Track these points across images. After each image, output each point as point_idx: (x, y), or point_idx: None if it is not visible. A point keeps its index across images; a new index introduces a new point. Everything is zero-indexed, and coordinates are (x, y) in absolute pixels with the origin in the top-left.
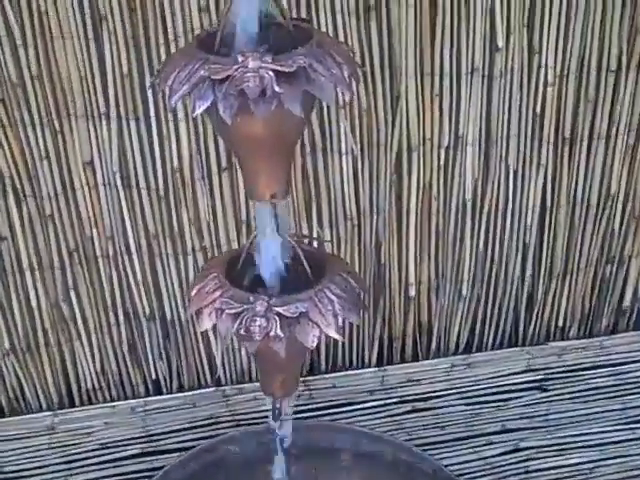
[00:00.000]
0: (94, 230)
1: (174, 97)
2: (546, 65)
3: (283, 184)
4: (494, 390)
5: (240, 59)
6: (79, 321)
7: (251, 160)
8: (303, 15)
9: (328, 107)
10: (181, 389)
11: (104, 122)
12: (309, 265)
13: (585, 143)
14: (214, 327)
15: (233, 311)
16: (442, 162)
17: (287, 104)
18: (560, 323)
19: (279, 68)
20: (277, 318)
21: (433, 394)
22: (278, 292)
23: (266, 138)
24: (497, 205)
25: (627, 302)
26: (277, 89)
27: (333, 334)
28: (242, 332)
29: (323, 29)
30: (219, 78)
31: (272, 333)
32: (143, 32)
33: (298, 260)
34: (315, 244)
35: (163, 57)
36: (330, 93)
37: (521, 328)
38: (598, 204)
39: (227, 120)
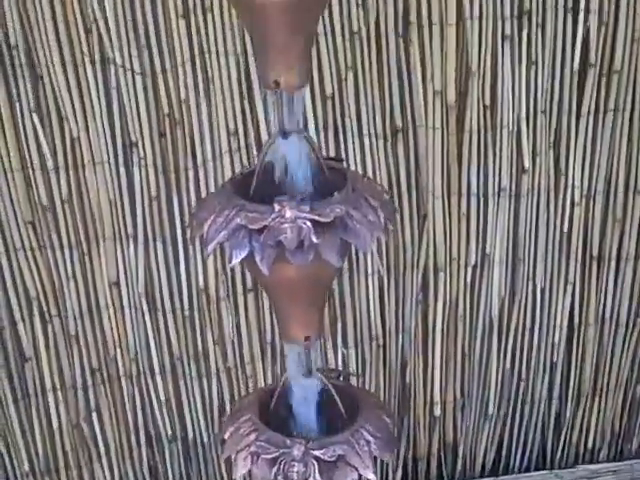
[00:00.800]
0: (118, 350)
1: (210, 245)
2: (573, 185)
3: (317, 327)
4: None
5: (277, 208)
6: (100, 442)
7: (286, 304)
8: (331, 140)
9: None
10: None
11: (131, 244)
12: (341, 401)
13: (613, 263)
14: (249, 472)
15: (270, 456)
16: (469, 280)
17: (325, 254)
18: (590, 445)
19: (317, 218)
20: (315, 462)
21: None
22: (314, 434)
23: (302, 285)
24: (524, 323)
25: None
26: (315, 240)
27: (371, 476)
28: (280, 478)
29: (351, 152)
30: (256, 228)
31: (310, 479)
32: (172, 157)
33: (330, 397)
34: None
35: (192, 181)
36: (367, 241)
37: (549, 449)
38: (627, 323)
39: (264, 270)
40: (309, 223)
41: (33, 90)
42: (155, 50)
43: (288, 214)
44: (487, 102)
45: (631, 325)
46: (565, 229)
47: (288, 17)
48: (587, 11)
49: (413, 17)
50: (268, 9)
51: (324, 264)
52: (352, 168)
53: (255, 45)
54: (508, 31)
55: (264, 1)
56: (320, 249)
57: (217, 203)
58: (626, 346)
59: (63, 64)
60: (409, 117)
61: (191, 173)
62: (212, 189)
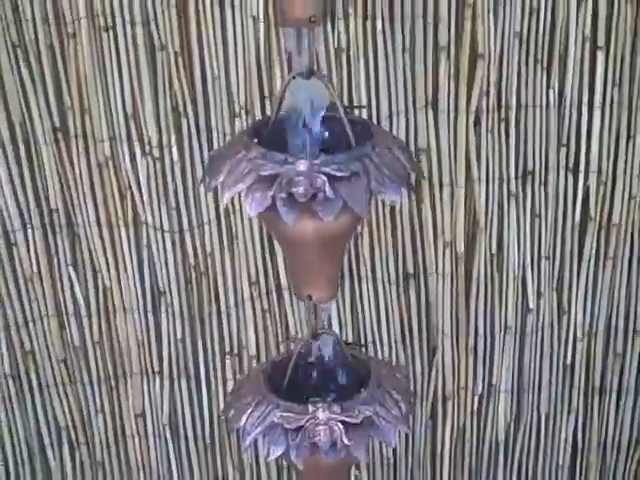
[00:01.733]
0: (142, 476)
1: (247, 439)
2: (575, 323)
3: None
4: None
5: (311, 409)
6: None
7: None
8: (347, 287)
9: None
10: None
11: (157, 379)
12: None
13: (614, 394)
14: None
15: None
16: (475, 407)
17: (354, 452)
18: None
19: (347, 420)
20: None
21: None
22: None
23: None
24: (529, 446)
25: None
26: (346, 442)
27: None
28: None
29: (365, 297)
30: (292, 428)
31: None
32: (197, 304)
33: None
34: None
35: (215, 326)
36: (392, 435)
37: None
38: (628, 448)
39: (299, 465)
40: (340, 425)
41: (70, 246)
42: (183, 211)
43: (321, 416)
44: (494, 251)
45: (632, 450)
46: (568, 362)
47: (320, 248)
48: (587, 171)
49: (425, 178)
50: (301, 241)
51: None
52: (366, 311)
53: (289, 263)
54: (513, 190)
55: (295, 237)
56: (351, 449)
57: (251, 396)
58: (627, 468)
59: (99, 225)
60: (420, 264)
61: (215, 319)
62: (234, 333)
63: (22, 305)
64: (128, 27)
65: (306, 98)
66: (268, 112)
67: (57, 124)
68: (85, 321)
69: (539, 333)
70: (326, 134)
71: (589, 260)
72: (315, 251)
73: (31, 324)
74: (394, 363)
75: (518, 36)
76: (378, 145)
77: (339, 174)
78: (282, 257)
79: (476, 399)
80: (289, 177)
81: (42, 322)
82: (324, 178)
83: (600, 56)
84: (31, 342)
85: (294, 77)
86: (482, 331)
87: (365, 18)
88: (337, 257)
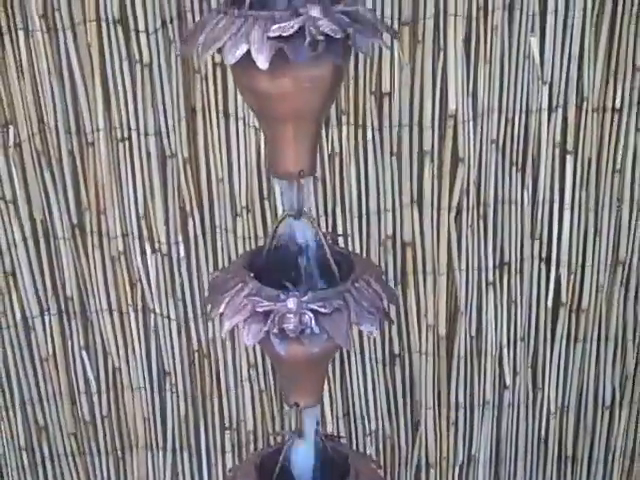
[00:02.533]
0: None
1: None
2: (548, 399)
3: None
4: None
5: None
6: None
7: None
8: (337, 367)
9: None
10: None
11: (161, 453)
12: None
13: (585, 464)
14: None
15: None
16: (457, 476)
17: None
18: None
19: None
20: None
21: None
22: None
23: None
24: None
25: None
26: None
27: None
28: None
29: (354, 374)
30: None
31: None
32: (200, 384)
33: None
34: None
35: (216, 404)
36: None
37: None
38: None
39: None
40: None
41: (83, 331)
42: (189, 301)
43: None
44: (473, 333)
45: None
46: (542, 435)
47: (307, 366)
48: (558, 262)
49: (409, 268)
50: (291, 362)
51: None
52: (355, 387)
53: (279, 376)
54: (491, 278)
55: (286, 359)
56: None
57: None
58: None
59: (110, 312)
60: (405, 345)
61: (215, 397)
62: (234, 411)
63: (37, 384)
64: (142, 138)
65: (296, 235)
66: (267, 211)
67: (75, 222)
68: (95, 398)
69: (515, 408)
70: (313, 263)
71: (561, 341)
72: (303, 369)
73: (45, 401)
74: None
75: (495, 142)
76: (358, 278)
77: (323, 310)
78: None
79: (457, 468)
80: (281, 314)
81: (55, 400)
82: (311, 315)
83: (569, 160)
84: (44, 418)
85: (285, 217)
86: (462, 405)
87: (356, 126)
88: (322, 371)
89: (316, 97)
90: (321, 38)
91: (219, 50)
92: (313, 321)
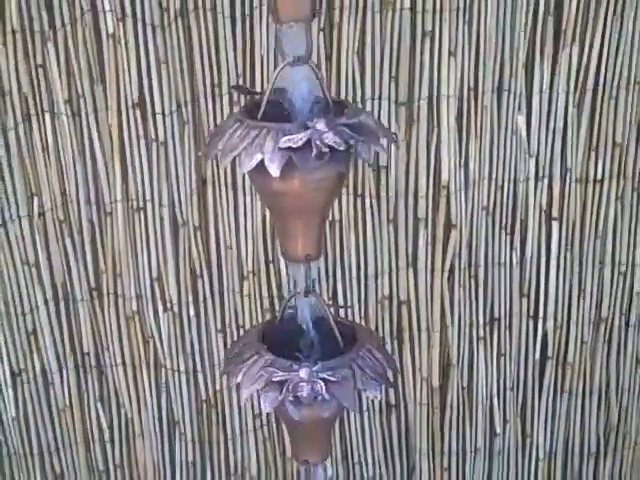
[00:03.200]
0: None
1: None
2: (537, 446)
3: None
4: None
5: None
6: None
7: None
8: None
9: (354, 474)
10: None
11: None
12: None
13: None
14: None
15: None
16: None
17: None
18: None
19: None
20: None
21: None
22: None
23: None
24: None
25: None
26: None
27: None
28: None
29: (352, 424)
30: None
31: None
32: (207, 432)
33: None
34: None
35: (222, 451)
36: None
37: None
38: None
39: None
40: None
41: (98, 384)
42: (197, 356)
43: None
44: (465, 384)
45: None
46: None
47: (315, 425)
48: (545, 318)
49: (405, 324)
50: (304, 424)
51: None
52: (353, 436)
53: (290, 436)
54: (482, 334)
55: (299, 421)
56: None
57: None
58: None
59: (124, 366)
60: (401, 396)
61: (222, 445)
62: (239, 457)
63: (55, 434)
64: (157, 208)
65: (304, 310)
66: (271, 274)
67: (93, 284)
68: (108, 446)
69: (505, 454)
70: (320, 334)
71: (548, 392)
72: (313, 431)
73: (62, 450)
74: None
75: (485, 209)
76: (361, 348)
77: (333, 379)
78: None
79: None
80: (294, 383)
81: (71, 448)
82: (321, 383)
83: (555, 225)
84: (61, 466)
85: (294, 296)
86: (455, 452)
87: (355, 195)
88: (330, 430)
89: (322, 196)
90: (326, 150)
91: (238, 156)
92: (324, 389)
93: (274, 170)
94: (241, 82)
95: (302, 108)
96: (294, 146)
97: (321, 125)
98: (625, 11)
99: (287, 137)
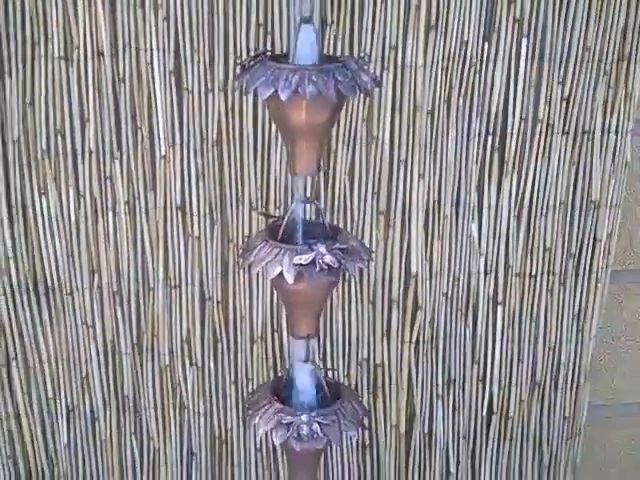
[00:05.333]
0: None
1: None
2: None
3: None
4: None
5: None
6: None
7: None
8: None
9: None
10: None
11: None
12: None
13: None
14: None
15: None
16: None
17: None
18: None
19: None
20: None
21: None
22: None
23: None
24: None
25: None
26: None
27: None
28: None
29: (334, 458)
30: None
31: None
32: (218, 463)
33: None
34: None
35: (230, 476)
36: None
37: None
38: None
39: None
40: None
41: (134, 421)
42: (214, 401)
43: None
44: (426, 431)
45: None
46: None
47: (313, 463)
48: (492, 381)
49: (379, 382)
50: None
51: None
52: (334, 470)
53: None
54: (440, 392)
55: (298, 456)
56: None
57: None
58: None
59: (155, 408)
60: (374, 438)
61: (229, 472)
62: None
63: (97, 461)
64: (189, 286)
65: (303, 374)
66: (276, 340)
67: (135, 342)
68: (138, 472)
69: None
70: (315, 390)
71: (493, 440)
72: (307, 457)
73: (101, 476)
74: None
75: (445, 295)
76: (344, 401)
77: (325, 422)
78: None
79: None
80: (298, 424)
81: (109, 473)
82: (317, 425)
83: (500, 309)
84: None
85: (296, 363)
86: None
87: (343, 282)
88: (318, 459)
89: (319, 293)
90: (325, 267)
91: (264, 267)
92: (318, 429)
93: (289, 278)
94: (259, 194)
95: (308, 231)
96: (303, 263)
97: (322, 248)
98: (551, 151)
99: (298, 256)
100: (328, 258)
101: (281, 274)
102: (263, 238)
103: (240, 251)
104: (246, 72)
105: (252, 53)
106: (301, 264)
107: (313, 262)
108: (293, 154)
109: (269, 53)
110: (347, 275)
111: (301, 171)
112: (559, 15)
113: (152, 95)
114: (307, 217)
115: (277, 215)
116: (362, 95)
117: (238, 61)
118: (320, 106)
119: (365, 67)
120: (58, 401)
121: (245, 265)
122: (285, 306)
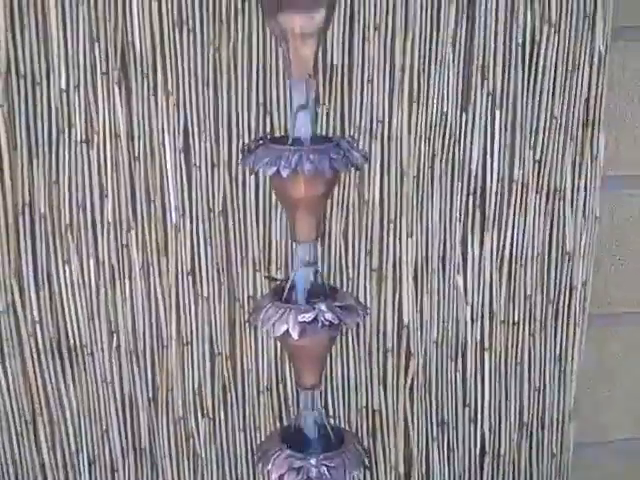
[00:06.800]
0: None
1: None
2: None
3: None
4: None
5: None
6: None
7: None
8: None
9: None
10: None
11: None
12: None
13: None
14: None
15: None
16: None
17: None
18: None
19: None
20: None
21: None
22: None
23: None
24: None
25: None
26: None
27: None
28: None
29: None
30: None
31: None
32: None
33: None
34: None
35: None
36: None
37: None
38: None
39: None
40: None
41: (151, 470)
42: (225, 449)
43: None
44: (423, 472)
45: None
46: None
47: None
48: (482, 423)
49: (377, 426)
50: None
51: None
52: None
53: None
54: (435, 434)
55: None
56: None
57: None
58: None
59: (170, 457)
60: (375, 478)
61: None
62: None
63: None
64: (200, 343)
65: (309, 419)
66: (281, 391)
67: (151, 396)
68: None
69: None
70: (320, 435)
71: (487, 478)
72: None
73: None
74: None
75: (435, 342)
76: (347, 444)
77: (331, 465)
78: None
79: None
80: (307, 468)
81: None
82: (325, 468)
83: (487, 354)
84: None
85: (302, 411)
86: None
87: (340, 335)
88: None
89: (321, 347)
90: (326, 323)
91: (272, 325)
92: (327, 472)
93: (294, 335)
94: (261, 257)
95: (309, 291)
96: (307, 320)
97: (323, 307)
98: (527, 208)
99: (302, 314)
100: (329, 315)
101: (287, 331)
102: (270, 299)
103: (250, 311)
104: (251, 154)
105: (253, 132)
106: (305, 322)
107: (315, 319)
108: (294, 224)
109: (269, 136)
110: (345, 328)
111: (302, 239)
112: (527, 88)
113: (164, 171)
114: (308, 279)
115: (279, 277)
116: (353, 169)
117: (244, 145)
118: (317, 181)
119: (355, 145)
120: (80, 454)
121: (254, 324)
122: (291, 360)
